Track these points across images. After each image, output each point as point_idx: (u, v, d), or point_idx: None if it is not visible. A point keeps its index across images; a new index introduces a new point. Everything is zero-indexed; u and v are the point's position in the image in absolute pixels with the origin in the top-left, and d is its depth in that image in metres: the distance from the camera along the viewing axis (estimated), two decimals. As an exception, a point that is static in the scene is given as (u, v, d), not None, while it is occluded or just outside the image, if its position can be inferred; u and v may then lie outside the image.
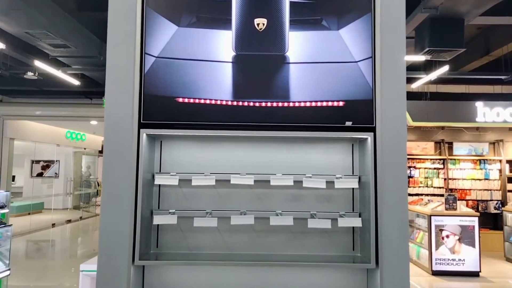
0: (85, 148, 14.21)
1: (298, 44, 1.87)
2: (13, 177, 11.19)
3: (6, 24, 5.79)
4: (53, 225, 10.59)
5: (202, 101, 1.84)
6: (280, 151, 2.02)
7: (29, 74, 8.15)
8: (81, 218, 12.07)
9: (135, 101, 1.82)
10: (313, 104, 1.85)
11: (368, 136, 1.84)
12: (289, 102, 1.85)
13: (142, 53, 1.84)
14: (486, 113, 8.58)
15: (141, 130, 1.82)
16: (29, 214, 11.15)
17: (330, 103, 1.85)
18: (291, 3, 1.88)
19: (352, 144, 2.03)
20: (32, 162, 13.11)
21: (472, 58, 8.18)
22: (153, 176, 1.97)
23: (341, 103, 1.85)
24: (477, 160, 9.90)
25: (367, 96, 1.85)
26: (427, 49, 6.22)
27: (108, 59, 1.84)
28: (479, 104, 8.59)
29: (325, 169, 2.01)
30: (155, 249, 1.98)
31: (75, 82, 8.46)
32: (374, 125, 1.84)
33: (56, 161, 13.28)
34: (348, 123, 1.84)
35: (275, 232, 1.99)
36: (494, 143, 10.02)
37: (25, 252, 7.75)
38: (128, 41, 1.84)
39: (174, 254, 1.96)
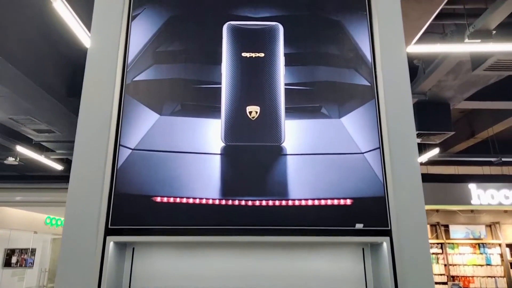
0: (64, 235, 13.34)
1: (295, 133, 1.66)
2: (-20, 269, 10.24)
3: (-10, 110, 5.66)
4: (17, 326, 9.38)
5: (185, 200, 1.55)
6: (277, 259, 1.68)
7: (10, 160, 7.87)
8: (51, 316, 10.82)
9: (103, 203, 1.51)
10: (316, 202, 1.57)
11: (384, 241, 1.54)
12: (287, 200, 1.57)
13: (117, 145, 1.59)
14: (480, 195, 8.45)
15: (107, 237, 1.48)
16: (-9, 313, 9.95)
17: (335, 201, 1.57)
18: (286, 89, 1.70)
19: (363, 249, 1.71)
20: (5, 251, 12.13)
21: (458, 140, 8.28)
22: (121, 294, 1.58)
23: (348, 201, 1.57)
24: (476, 243, 9.50)
25: (378, 193, 1.59)
26: (416, 132, 6.24)
27: (76, 152, 1.58)
28: (472, 186, 8.48)
29: (331, 280, 1.65)
30: None
31: (59, 167, 8.17)
32: (389, 228, 1.55)
33: (32, 249, 12.33)
34: (359, 226, 1.55)
35: None
36: (490, 226, 9.73)
37: None
38: (101, 132, 1.60)
39: None
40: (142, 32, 1.75)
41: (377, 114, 1.69)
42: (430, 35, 4.98)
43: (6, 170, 8.89)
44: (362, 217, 1.56)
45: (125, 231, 1.52)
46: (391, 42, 1.78)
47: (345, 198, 1.58)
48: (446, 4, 3.94)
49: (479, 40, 3.77)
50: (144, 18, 1.78)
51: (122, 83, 1.67)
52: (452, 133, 6.16)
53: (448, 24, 4.89)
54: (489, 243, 9.18)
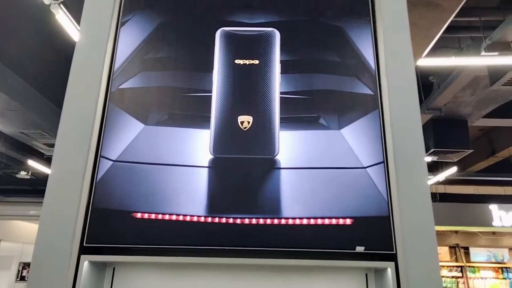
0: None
1: (290, 145, 1.52)
2: (-4, 281, 10.28)
3: (1, 125, 5.72)
4: None
5: (167, 216, 1.42)
6: (269, 284, 1.52)
7: (22, 174, 7.92)
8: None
9: (80, 218, 1.40)
10: (312, 221, 1.42)
11: (388, 267, 1.37)
12: (281, 218, 1.43)
13: (97, 156, 1.49)
14: (502, 216, 8.05)
15: (82, 256, 1.36)
16: (1, 328, 9.89)
17: (334, 221, 1.42)
18: (282, 98, 1.58)
19: (366, 274, 1.54)
20: (20, 264, 12.13)
21: (477, 159, 7.96)
22: (97, 320, 1.45)
23: (348, 221, 1.42)
24: (499, 268, 9.01)
25: (381, 212, 1.42)
26: (432, 150, 6.00)
27: (53, 163, 1.48)
28: (493, 207, 8.10)
29: (331, 309, 1.48)
30: None
31: (69, 181, 8.17)
32: (394, 252, 1.38)
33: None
34: (360, 249, 1.38)
35: None
36: (514, 249, 9.22)
37: None
38: (81, 142, 1.49)
39: None
40: (130, 38, 1.67)
41: (381, 125, 1.54)
42: (445, 49, 4.82)
43: (18, 184, 8.95)
44: (363, 239, 1.40)
45: (101, 250, 1.40)
46: (397, 48, 1.65)
47: (344, 218, 1.42)
48: (461, 16, 3.79)
49: (496, 53, 3.59)
50: (134, 24, 1.70)
51: (107, 91, 1.58)
52: (471, 151, 5.89)
53: (463, 38, 4.73)
54: (513, 268, 8.70)
